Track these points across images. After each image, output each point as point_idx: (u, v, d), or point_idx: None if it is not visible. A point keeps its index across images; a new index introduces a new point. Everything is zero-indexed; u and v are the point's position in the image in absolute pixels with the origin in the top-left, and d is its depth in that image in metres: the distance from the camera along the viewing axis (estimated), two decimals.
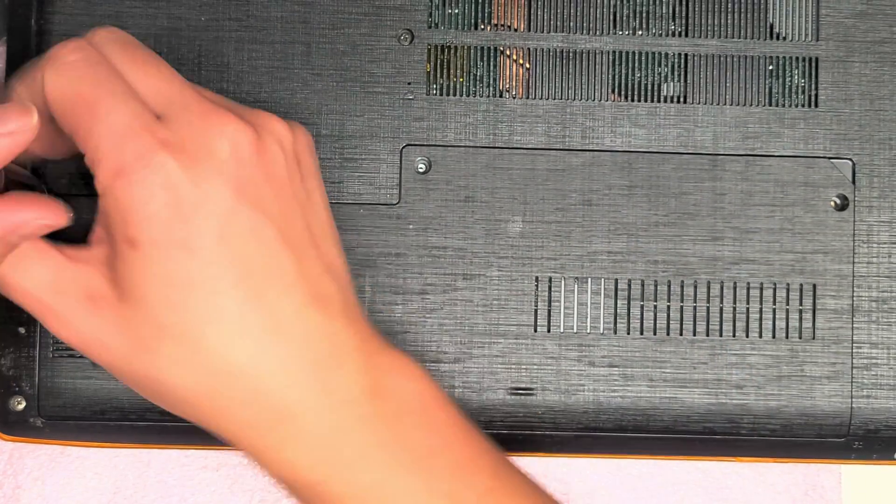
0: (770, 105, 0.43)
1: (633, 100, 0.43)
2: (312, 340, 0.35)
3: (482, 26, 0.43)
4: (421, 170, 0.43)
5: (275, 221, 0.35)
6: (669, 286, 0.43)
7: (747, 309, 0.43)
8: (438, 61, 0.43)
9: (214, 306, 0.33)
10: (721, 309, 0.43)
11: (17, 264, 0.35)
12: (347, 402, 0.35)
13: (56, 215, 0.35)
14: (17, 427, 0.42)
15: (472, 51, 0.43)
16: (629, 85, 0.43)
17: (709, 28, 0.43)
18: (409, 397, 0.36)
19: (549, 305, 0.42)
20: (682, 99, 0.43)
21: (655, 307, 0.43)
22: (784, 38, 0.43)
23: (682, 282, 0.43)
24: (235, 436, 0.35)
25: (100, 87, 0.34)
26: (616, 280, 0.43)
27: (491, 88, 0.43)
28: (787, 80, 0.43)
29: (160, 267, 0.33)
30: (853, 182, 0.43)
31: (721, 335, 0.43)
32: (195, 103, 0.35)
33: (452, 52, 0.43)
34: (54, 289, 0.35)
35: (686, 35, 0.43)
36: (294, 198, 0.36)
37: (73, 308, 0.35)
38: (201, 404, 0.35)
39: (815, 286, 0.43)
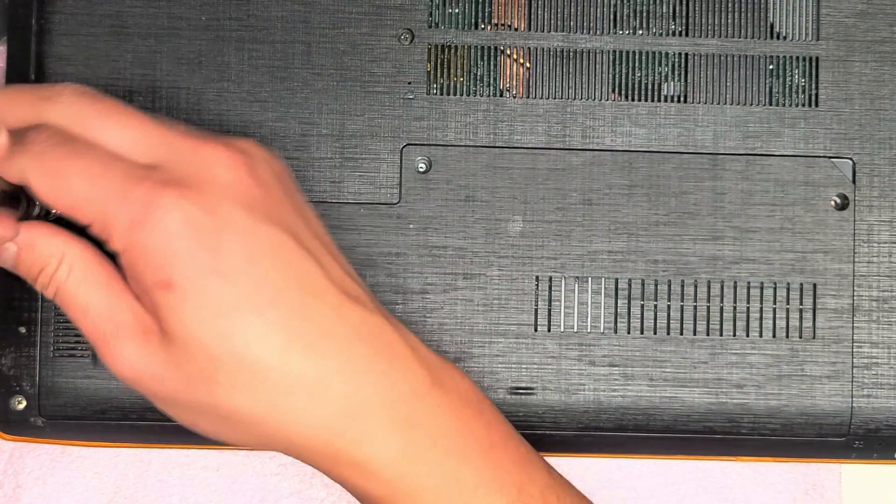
0: (770, 104, 0.43)
1: (633, 99, 0.43)
2: (360, 337, 0.35)
3: (482, 26, 0.43)
4: (421, 169, 0.43)
5: (289, 232, 0.35)
6: (670, 286, 0.43)
7: (747, 308, 0.43)
8: (439, 61, 0.43)
9: (261, 325, 0.34)
10: (721, 308, 0.43)
11: (78, 285, 0.35)
12: (412, 393, 0.35)
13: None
14: (17, 426, 0.42)
15: (472, 50, 0.43)
16: (629, 84, 0.43)
17: (709, 27, 0.43)
18: (463, 391, 0.37)
19: (550, 305, 0.42)
20: (682, 98, 0.43)
21: (656, 307, 0.43)
22: (784, 38, 0.43)
23: (683, 281, 0.43)
24: (306, 447, 0.35)
25: (82, 161, 0.34)
26: (616, 279, 0.43)
27: (491, 88, 0.43)
28: (788, 79, 0.43)
29: (200, 300, 0.34)
30: (853, 181, 0.43)
31: (721, 335, 0.43)
32: (178, 141, 0.35)
33: (453, 51, 0.43)
34: (110, 317, 0.35)
35: (686, 34, 0.43)
36: (294, 210, 0.36)
37: (126, 339, 0.35)
38: (267, 422, 0.35)
39: (815, 286, 0.43)
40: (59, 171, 0.34)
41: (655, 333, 0.43)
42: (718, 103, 0.43)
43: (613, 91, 0.43)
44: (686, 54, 0.43)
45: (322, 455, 0.35)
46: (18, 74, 0.42)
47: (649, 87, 0.43)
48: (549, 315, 0.42)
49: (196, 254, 0.33)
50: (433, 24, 0.43)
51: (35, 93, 0.35)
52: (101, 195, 0.34)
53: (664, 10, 0.43)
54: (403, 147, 0.43)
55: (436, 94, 0.43)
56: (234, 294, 0.34)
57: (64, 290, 0.35)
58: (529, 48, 0.43)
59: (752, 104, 0.43)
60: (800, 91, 0.43)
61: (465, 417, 0.36)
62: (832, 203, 0.43)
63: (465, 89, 0.43)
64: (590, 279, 0.43)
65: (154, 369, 0.35)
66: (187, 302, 0.34)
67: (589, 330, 0.43)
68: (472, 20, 0.43)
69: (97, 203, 0.34)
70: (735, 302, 0.43)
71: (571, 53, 0.43)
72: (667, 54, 0.43)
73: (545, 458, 0.39)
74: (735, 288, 0.43)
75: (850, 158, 0.43)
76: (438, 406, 0.36)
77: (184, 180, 0.34)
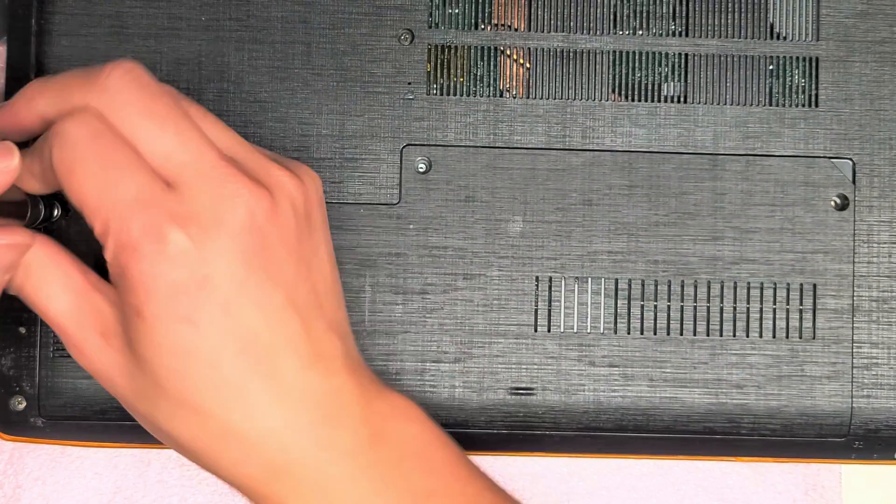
0: (770, 105, 0.43)
1: (633, 100, 0.43)
2: (313, 399, 0.35)
3: (482, 26, 0.43)
4: (421, 170, 0.43)
5: (284, 287, 0.35)
6: (670, 286, 0.43)
7: (747, 309, 0.43)
8: (439, 61, 0.43)
9: (215, 376, 0.34)
10: (721, 309, 0.43)
11: (41, 283, 0.35)
12: (347, 453, 0.35)
13: (12, 236, 0.35)
14: (17, 427, 0.42)
15: (472, 50, 0.43)
16: (629, 85, 0.43)
17: (709, 28, 0.43)
18: (408, 440, 0.36)
19: (550, 305, 0.42)
20: (682, 99, 0.43)
21: (656, 307, 0.43)
22: (784, 38, 0.43)
23: (683, 282, 0.43)
24: (235, 485, 0.36)
25: (106, 162, 0.33)
26: (616, 280, 0.43)
27: (491, 88, 0.43)
28: (788, 79, 0.43)
29: (162, 338, 0.34)
30: (853, 182, 0.43)
31: (721, 335, 0.43)
32: (210, 168, 0.34)
33: (453, 51, 0.43)
34: (73, 316, 0.35)
35: (686, 35, 0.43)
36: (302, 259, 0.36)
37: (88, 338, 0.35)
38: (200, 456, 0.35)
39: (815, 286, 0.43)
40: (80, 168, 0.34)
41: (655, 334, 0.43)
42: (718, 104, 0.43)
43: (613, 91, 0.43)
44: (686, 54, 0.43)
45: (252, 497, 0.36)
46: (18, 75, 0.42)
47: (649, 87, 0.43)
48: (549, 315, 0.42)
49: (173, 297, 0.33)
50: (433, 25, 0.43)
51: (83, 79, 0.35)
52: (109, 207, 0.33)
53: (664, 10, 0.43)
54: (403, 147, 0.43)
55: (436, 94, 0.43)
56: (198, 341, 0.34)
57: (26, 287, 0.35)
58: (529, 48, 0.43)
59: (752, 104, 0.43)
60: (800, 91, 0.43)
61: (401, 472, 0.36)
62: (832, 203, 0.43)
63: (465, 89, 0.43)
64: (590, 279, 0.43)
65: (108, 370, 0.35)
66: (150, 336, 0.34)
67: (589, 330, 0.43)
68: (472, 20, 0.43)
69: (103, 212, 0.33)
70: (735, 302, 0.43)
71: (571, 53, 0.43)
72: (667, 54, 0.43)
73: (545, 458, 0.39)
74: (735, 288, 0.43)
75: (850, 159, 0.43)
76: (374, 463, 0.35)
77: (194, 215, 0.33)
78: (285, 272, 0.35)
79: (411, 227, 0.42)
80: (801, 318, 0.43)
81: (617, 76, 0.43)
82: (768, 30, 0.43)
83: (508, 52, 0.43)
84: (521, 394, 0.42)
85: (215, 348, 0.34)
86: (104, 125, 0.34)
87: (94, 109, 0.34)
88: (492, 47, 0.43)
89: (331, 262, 0.38)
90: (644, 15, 0.43)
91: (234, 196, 0.34)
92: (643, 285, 0.43)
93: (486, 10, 0.43)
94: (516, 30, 0.43)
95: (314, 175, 0.37)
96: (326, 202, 0.42)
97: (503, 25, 0.43)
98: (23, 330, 0.42)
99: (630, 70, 0.43)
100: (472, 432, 0.42)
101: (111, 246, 0.34)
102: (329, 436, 0.35)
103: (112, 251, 0.34)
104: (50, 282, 0.35)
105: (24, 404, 0.42)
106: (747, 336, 0.43)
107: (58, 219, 0.40)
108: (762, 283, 0.43)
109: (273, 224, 0.35)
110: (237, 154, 0.35)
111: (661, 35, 0.43)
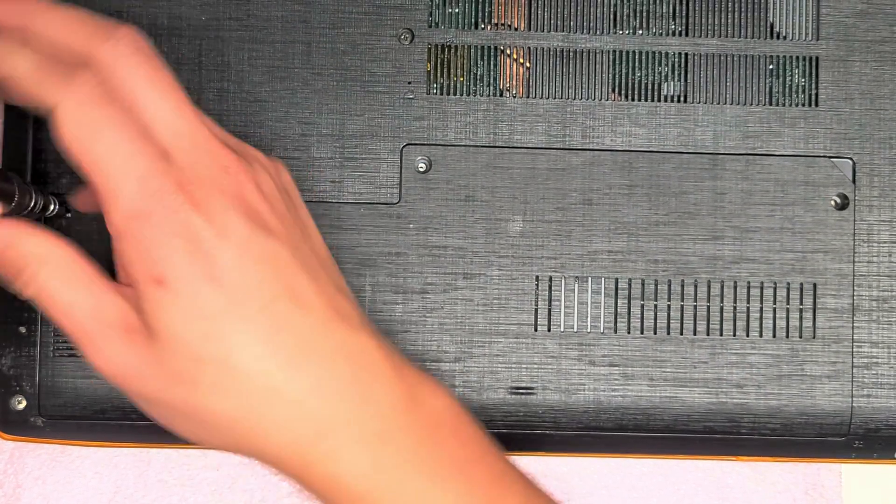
0: (770, 104, 0.43)
1: (633, 99, 0.43)
2: (343, 354, 0.35)
3: (482, 25, 0.43)
4: (421, 169, 0.43)
5: (285, 245, 0.36)
6: (670, 285, 0.43)
7: (747, 308, 0.43)
8: (439, 60, 0.43)
9: (246, 332, 0.34)
10: (721, 308, 0.43)
11: (61, 284, 0.35)
12: (386, 411, 0.36)
13: None
14: (17, 426, 0.42)
15: (472, 50, 0.43)
16: (629, 84, 0.43)
17: (709, 27, 0.43)
18: (440, 410, 0.37)
19: (550, 305, 0.42)
20: (682, 98, 0.43)
21: (656, 306, 0.43)
22: (784, 38, 0.43)
23: (683, 281, 0.43)
24: (278, 457, 0.36)
25: (110, 130, 0.34)
26: (616, 279, 0.43)
27: (491, 88, 0.43)
28: (788, 79, 0.43)
29: (190, 301, 0.34)
30: (853, 181, 0.43)
31: (721, 334, 0.43)
32: (203, 140, 0.35)
33: (453, 51, 0.43)
34: (94, 315, 0.35)
35: (686, 34, 0.43)
36: (295, 224, 0.37)
37: (110, 337, 0.35)
38: (242, 428, 0.35)
39: (815, 285, 0.43)
40: (91, 131, 0.34)
41: (655, 333, 0.43)
42: (718, 103, 0.43)
43: (613, 91, 0.43)
44: (686, 54, 0.43)
45: (293, 466, 0.36)
46: None
47: (649, 87, 0.43)
48: (549, 315, 0.42)
49: (192, 257, 0.34)
50: (433, 24, 0.43)
51: (94, 27, 0.35)
52: (120, 174, 0.34)
53: (664, 10, 0.43)
54: (403, 147, 0.43)
55: (436, 94, 0.43)
56: (223, 300, 0.34)
57: (45, 290, 0.35)
58: (529, 48, 0.43)
59: (752, 104, 0.43)
60: (800, 91, 0.43)
61: (440, 435, 0.36)
62: (832, 203, 0.43)
63: (465, 89, 0.43)
64: (590, 279, 0.43)
65: (137, 367, 0.35)
66: (177, 302, 0.34)
67: (589, 330, 0.43)
68: (472, 20, 0.43)
69: (113, 178, 0.34)
70: (735, 302, 0.43)
71: (571, 53, 0.43)
72: (667, 54, 0.43)
73: (545, 458, 0.39)
74: (735, 288, 0.43)
75: (850, 158, 0.43)
76: (412, 424, 0.36)
77: (194, 182, 0.34)
78: (284, 234, 0.36)
79: (411, 226, 0.42)
80: (801, 318, 0.43)
81: (617, 76, 0.43)
82: (768, 29, 0.43)
83: (508, 52, 0.43)
84: (522, 393, 0.42)
85: (240, 303, 0.34)
86: (105, 91, 0.34)
87: (98, 65, 0.34)
88: (492, 47, 0.43)
89: (321, 239, 0.39)
90: (644, 15, 0.43)
91: (226, 165, 0.35)
92: (643, 285, 0.43)
93: (486, 10, 0.43)
94: (516, 29, 0.43)
95: (284, 163, 0.39)
96: (326, 202, 0.42)
97: (503, 25, 0.43)
98: (23, 330, 0.42)
99: (630, 69, 0.43)
100: None
101: (118, 215, 0.34)
102: (364, 392, 0.35)
103: (119, 221, 0.34)
104: (70, 285, 0.35)
105: (24, 404, 0.42)
106: (747, 335, 0.43)
107: (54, 216, 0.40)
108: (762, 283, 0.43)
109: (259, 191, 0.36)
110: (215, 130, 0.37)
111: (661, 35, 0.43)
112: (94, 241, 0.41)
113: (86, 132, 0.34)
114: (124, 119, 0.34)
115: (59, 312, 0.35)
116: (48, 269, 0.35)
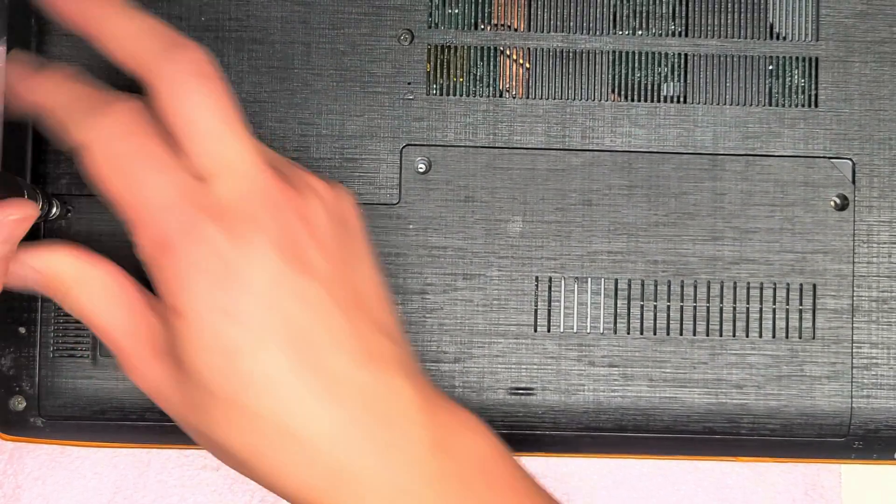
0: (770, 105, 0.43)
1: (633, 100, 0.43)
2: (370, 398, 0.34)
3: (482, 26, 0.43)
4: (421, 170, 0.43)
5: (322, 282, 0.34)
6: (669, 286, 0.43)
7: (747, 309, 0.43)
8: (438, 61, 0.43)
9: (261, 372, 0.33)
10: (721, 309, 0.43)
11: (96, 304, 0.35)
12: (410, 461, 0.34)
13: (22, 209, 0.35)
14: (17, 427, 0.42)
15: (472, 51, 0.43)
16: (629, 85, 0.43)
17: (709, 28, 0.43)
18: (471, 454, 0.36)
19: (549, 305, 0.42)
20: (682, 99, 0.43)
21: (655, 307, 0.43)
22: (784, 38, 0.43)
23: (682, 282, 0.43)
24: (294, 496, 0.35)
25: (139, 162, 0.34)
26: (616, 280, 0.43)
27: (491, 88, 0.43)
28: (787, 79, 0.43)
29: (205, 335, 0.33)
30: (853, 182, 0.43)
31: (721, 335, 0.43)
32: (250, 169, 0.34)
33: (452, 52, 0.43)
34: (129, 333, 0.35)
35: (686, 35, 0.43)
36: (340, 258, 0.36)
37: (143, 356, 0.35)
38: (258, 464, 0.34)
39: (815, 286, 0.43)
40: (117, 165, 0.34)
41: (655, 334, 0.43)
42: (718, 104, 0.43)
43: (613, 91, 0.43)
44: (686, 54, 0.43)
45: None
46: None
47: (649, 87, 0.43)
48: (549, 315, 0.42)
49: (211, 290, 0.33)
50: (433, 25, 0.43)
51: (162, 42, 0.34)
52: (142, 207, 0.33)
53: (664, 11, 0.43)
54: (403, 147, 0.43)
55: (435, 94, 0.43)
56: (239, 335, 0.33)
57: (82, 310, 0.36)
58: (529, 48, 0.43)
59: (751, 104, 0.43)
60: (799, 91, 0.43)
61: (465, 485, 0.35)
62: (832, 203, 0.43)
63: (464, 89, 0.43)
64: (589, 280, 0.43)
65: (163, 389, 0.35)
66: (193, 334, 0.33)
67: (589, 330, 0.43)
68: (472, 20, 0.43)
69: (138, 208, 0.34)
70: (735, 302, 0.43)
71: (571, 54, 0.43)
72: (666, 54, 0.43)
73: (545, 458, 0.39)
74: (735, 288, 0.43)
75: (850, 159, 0.43)
76: (438, 475, 0.35)
77: (227, 209, 0.34)
78: (322, 268, 0.35)
79: (411, 227, 0.42)
80: (800, 318, 0.43)
81: (617, 76, 0.43)
82: (768, 30, 0.43)
83: (508, 52, 0.43)
84: (521, 394, 0.42)
85: (258, 342, 0.33)
86: (136, 119, 0.34)
87: (156, 83, 0.34)
88: (491, 47, 0.43)
89: (375, 271, 0.37)
90: (644, 15, 0.43)
91: (264, 191, 0.34)
92: (643, 285, 0.43)
93: (486, 10, 0.43)
94: (516, 30, 0.43)
95: (348, 191, 0.38)
96: None
97: (503, 25, 0.43)
98: (23, 330, 0.42)
99: (630, 70, 0.43)
100: None
101: (146, 244, 0.34)
102: (389, 439, 0.34)
103: (147, 250, 0.34)
104: (107, 298, 0.35)
105: (24, 404, 0.42)
106: (747, 336, 0.43)
107: (55, 218, 0.40)
108: (762, 283, 0.43)
109: (303, 220, 0.35)
110: (275, 162, 0.36)
111: (660, 35, 0.43)
112: (95, 241, 0.41)
113: (112, 168, 0.34)
114: (156, 148, 0.34)
115: (96, 329, 0.36)
116: (84, 290, 0.35)
